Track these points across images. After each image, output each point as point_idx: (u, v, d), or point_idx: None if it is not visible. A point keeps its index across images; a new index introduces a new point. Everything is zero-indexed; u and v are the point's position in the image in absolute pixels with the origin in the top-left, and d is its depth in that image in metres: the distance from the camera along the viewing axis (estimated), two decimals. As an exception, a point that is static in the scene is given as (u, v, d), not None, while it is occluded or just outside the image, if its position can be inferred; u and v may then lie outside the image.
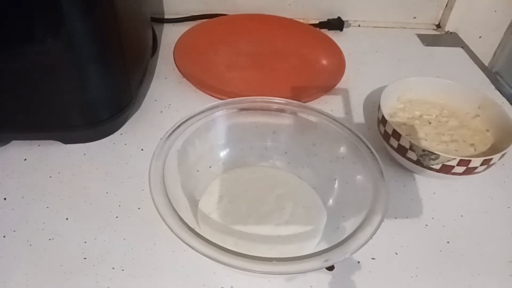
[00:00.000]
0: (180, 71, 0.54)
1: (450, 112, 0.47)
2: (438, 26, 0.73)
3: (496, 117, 0.45)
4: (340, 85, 0.55)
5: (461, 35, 0.71)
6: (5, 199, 0.39)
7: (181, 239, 0.28)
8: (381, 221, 0.30)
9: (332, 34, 0.65)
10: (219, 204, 0.38)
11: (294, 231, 0.37)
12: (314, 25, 0.67)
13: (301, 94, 0.53)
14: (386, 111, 0.44)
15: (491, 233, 0.40)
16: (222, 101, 0.40)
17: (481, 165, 0.39)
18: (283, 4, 0.69)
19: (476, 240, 0.39)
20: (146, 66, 0.54)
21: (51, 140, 0.44)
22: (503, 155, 0.39)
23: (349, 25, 0.69)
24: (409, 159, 0.41)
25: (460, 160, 0.38)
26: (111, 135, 0.46)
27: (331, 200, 0.39)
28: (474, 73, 0.62)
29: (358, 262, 0.36)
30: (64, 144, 0.44)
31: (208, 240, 0.28)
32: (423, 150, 0.39)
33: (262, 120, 0.42)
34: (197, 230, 0.29)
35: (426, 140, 0.44)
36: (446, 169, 0.39)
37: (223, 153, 0.42)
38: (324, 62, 0.60)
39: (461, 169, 0.39)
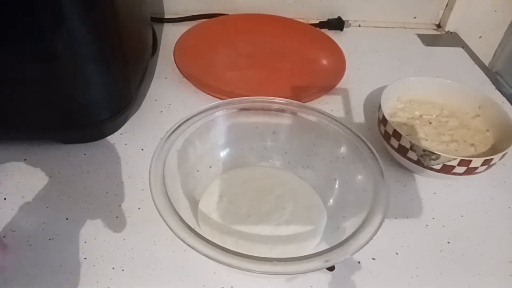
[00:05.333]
0: (180, 71, 0.54)
1: (450, 112, 0.47)
2: (438, 26, 0.73)
3: (496, 117, 0.45)
4: (340, 85, 0.55)
5: (461, 35, 0.71)
6: (5, 199, 0.39)
7: (181, 239, 0.28)
8: (382, 221, 0.30)
9: (332, 34, 0.65)
10: (219, 204, 0.38)
11: (294, 231, 0.37)
12: (314, 25, 0.67)
13: (301, 94, 0.53)
14: (386, 111, 0.44)
15: (491, 233, 0.40)
16: (222, 101, 0.40)
17: (482, 165, 0.39)
18: (283, 4, 0.69)
19: (476, 240, 0.39)
20: (146, 66, 0.54)
21: (51, 140, 0.44)
22: (503, 155, 0.39)
23: (349, 25, 0.69)
24: (410, 159, 0.41)
25: (461, 160, 0.38)
26: (111, 135, 0.46)
27: (331, 200, 0.39)
28: (474, 73, 0.62)
29: (359, 262, 0.36)
30: (64, 144, 0.44)
31: (208, 240, 0.28)
32: (424, 150, 0.39)
33: (262, 120, 0.42)
34: (197, 230, 0.29)
35: (426, 140, 0.44)
36: (446, 169, 0.39)
37: (223, 153, 0.42)
38: (324, 62, 0.60)
39: (461, 169, 0.39)
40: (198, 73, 0.54)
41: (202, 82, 0.53)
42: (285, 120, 0.41)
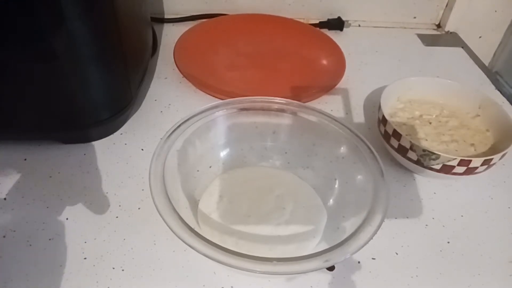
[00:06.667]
0: (180, 71, 0.54)
1: (450, 112, 0.47)
2: (438, 26, 0.73)
3: (496, 117, 0.45)
4: (340, 85, 0.55)
5: (461, 35, 0.71)
6: (5, 199, 0.39)
7: (181, 239, 0.28)
8: (382, 221, 0.30)
9: (332, 34, 0.65)
10: (219, 204, 0.38)
11: (294, 231, 0.37)
12: (314, 25, 0.67)
13: (301, 94, 0.53)
14: (386, 111, 0.44)
15: (491, 233, 0.40)
16: (222, 101, 0.40)
17: (482, 165, 0.39)
18: (283, 4, 0.69)
19: (476, 240, 0.39)
20: (146, 66, 0.54)
21: (51, 140, 0.44)
22: (503, 155, 0.39)
23: (349, 25, 0.69)
24: (410, 159, 0.41)
25: (461, 160, 0.38)
26: (111, 135, 0.46)
27: (331, 200, 0.39)
28: (474, 73, 0.62)
29: (359, 262, 0.36)
30: (64, 144, 0.44)
31: (208, 240, 0.28)
32: (424, 150, 0.39)
33: (262, 120, 0.42)
34: (197, 230, 0.29)
35: (426, 140, 0.44)
36: (446, 169, 0.39)
37: (223, 153, 0.42)
38: (324, 62, 0.60)
39: (461, 169, 0.39)
40: (198, 73, 0.54)
41: (202, 82, 0.53)
42: (285, 120, 0.41)
